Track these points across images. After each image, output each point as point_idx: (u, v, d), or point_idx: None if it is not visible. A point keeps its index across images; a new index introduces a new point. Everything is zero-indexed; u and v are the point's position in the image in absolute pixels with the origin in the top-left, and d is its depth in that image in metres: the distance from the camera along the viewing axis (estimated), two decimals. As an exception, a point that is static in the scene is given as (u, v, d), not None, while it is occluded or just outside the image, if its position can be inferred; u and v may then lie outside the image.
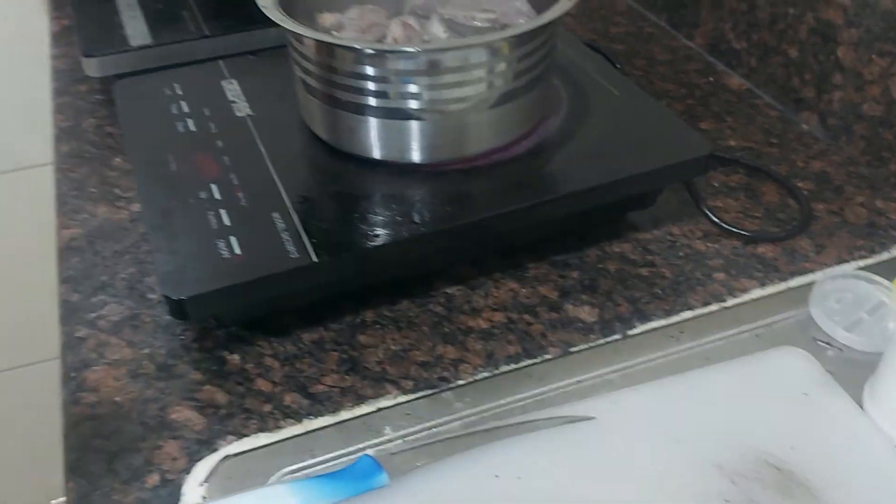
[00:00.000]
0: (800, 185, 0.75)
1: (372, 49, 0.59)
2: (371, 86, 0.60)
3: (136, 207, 0.73)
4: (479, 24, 0.71)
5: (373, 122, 0.62)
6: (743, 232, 0.69)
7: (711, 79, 0.91)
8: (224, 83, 0.75)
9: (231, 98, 0.73)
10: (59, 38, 1.01)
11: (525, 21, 0.69)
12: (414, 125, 0.62)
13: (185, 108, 0.72)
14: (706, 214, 0.70)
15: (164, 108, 0.72)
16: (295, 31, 0.59)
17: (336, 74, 0.61)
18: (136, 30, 0.85)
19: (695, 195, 0.71)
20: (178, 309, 0.54)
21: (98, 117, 0.85)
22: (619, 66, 0.88)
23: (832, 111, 0.80)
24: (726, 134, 0.82)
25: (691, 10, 0.97)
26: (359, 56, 0.60)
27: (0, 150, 1.30)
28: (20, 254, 1.39)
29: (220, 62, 0.78)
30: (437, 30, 0.70)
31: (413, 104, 0.61)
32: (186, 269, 0.55)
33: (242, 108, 0.71)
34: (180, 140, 0.68)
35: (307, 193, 0.62)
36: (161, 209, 0.60)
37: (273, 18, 0.60)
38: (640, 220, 0.71)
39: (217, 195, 0.61)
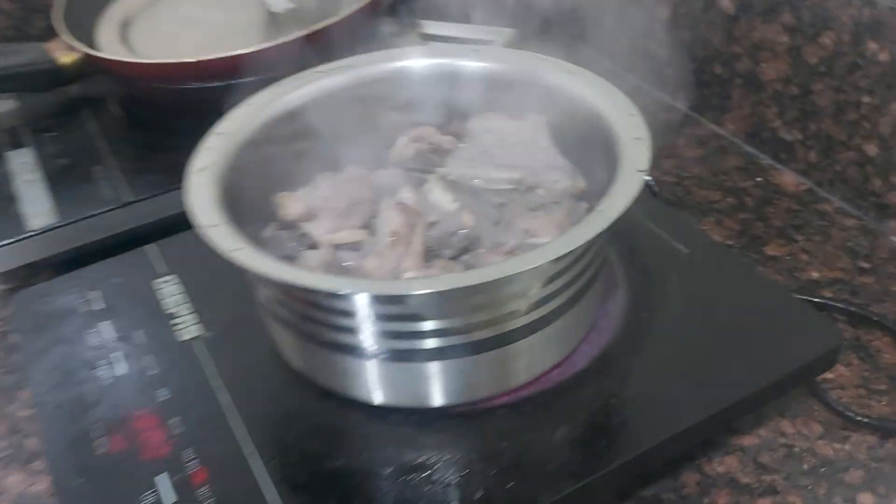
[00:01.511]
0: (919, 331, 0.59)
1: (380, 293, 0.41)
2: (377, 328, 0.42)
3: (54, 473, 0.53)
4: (498, 185, 0.53)
5: (379, 367, 0.44)
6: (875, 422, 0.52)
7: (760, 179, 0.75)
8: (158, 284, 0.56)
9: (170, 308, 0.54)
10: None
11: (565, 184, 0.51)
12: (435, 366, 0.43)
13: (109, 334, 0.52)
14: (825, 403, 0.52)
15: (79, 336, 0.52)
16: (263, 274, 0.40)
17: (328, 315, 0.43)
18: (36, 202, 0.65)
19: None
20: None
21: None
22: (656, 190, 0.71)
23: (934, 223, 0.63)
24: (802, 261, 0.65)
25: (717, 91, 0.80)
26: (360, 301, 0.41)
27: None
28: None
29: (150, 249, 0.59)
30: (443, 198, 0.51)
31: (433, 343, 0.42)
32: None
33: (188, 326, 0.52)
34: (105, 393, 0.48)
35: (298, 478, 0.43)
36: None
37: (220, 250, 0.41)
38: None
39: (168, 495, 0.42)
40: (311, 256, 0.46)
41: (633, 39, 0.90)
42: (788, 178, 0.74)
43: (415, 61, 0.56)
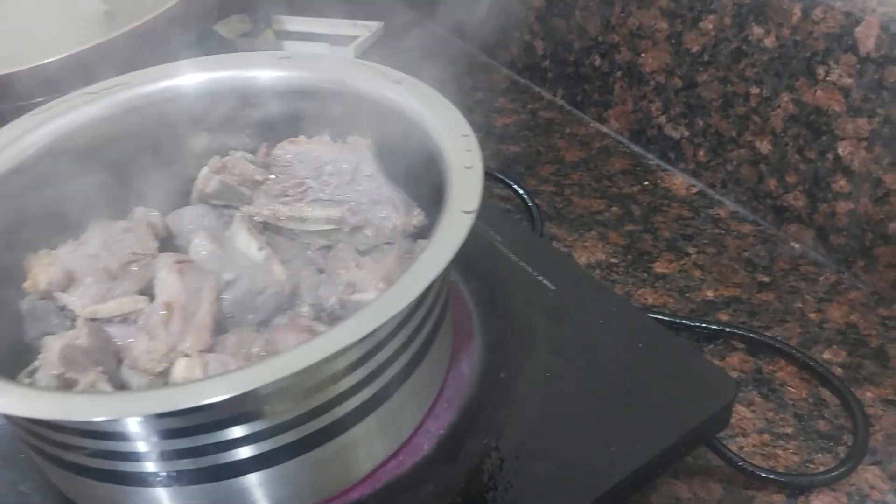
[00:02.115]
0: (826, 356, 0.51)
1: (138, 417, 0.30)
2: (147, 448, 0.32)
3: None
4: (316, 227, 0.43)
5: (163, 494, 0.33)
6: (783, 477, 0.44)
7: (647, 183, 0.67)
8: None
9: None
10: None
11: (396, 221, 0.42)
12: (254, 478, 0.33)
13: None
14: (725, 458, 0.44)
15: None
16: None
17: (80, 439, 0.32)
18: None
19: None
20: None
21: None
22: (531, 203, 0.62)
23: (836, 226, 0.56)
24: (695, 278, 0.57)
25: (597, 85, 0.72)
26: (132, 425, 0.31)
27: None
28: None
29: None
30: (248, 246, 0.41)
31: (243, 453, 0.32)
32: None
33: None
34: None
35: None
36: None
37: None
38: (623, 481, 0.45)
39: None
40: (51, 344, 0.36)
41: (506, 30, 0.81)
42: (678, 181, 0.66)
43: (203, 75, 0.46)
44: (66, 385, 0.34)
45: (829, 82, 0.53)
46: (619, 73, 0.69)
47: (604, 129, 0.73)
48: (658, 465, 0.39)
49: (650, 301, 0.56)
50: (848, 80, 0.52)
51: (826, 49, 0.52)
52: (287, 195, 0.44)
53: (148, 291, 0.40)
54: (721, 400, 0.39)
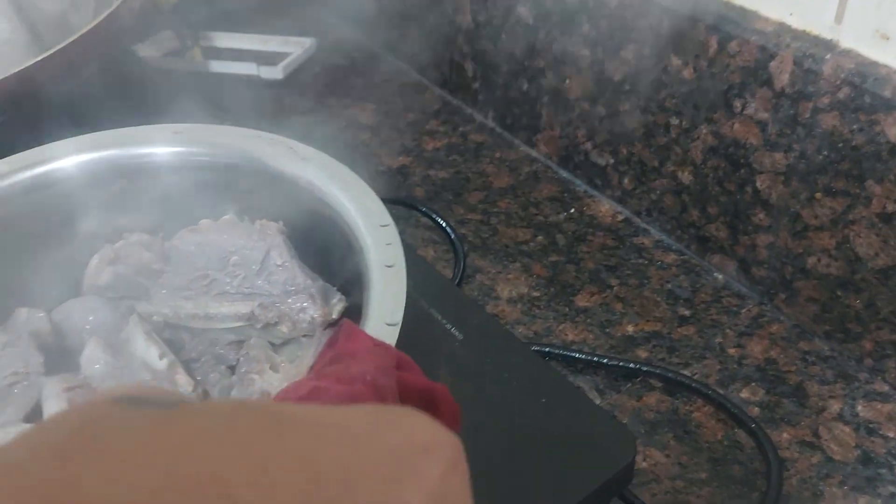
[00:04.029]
0: (744, 394, 0.51)
1: None
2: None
3: None
4: (223, 324, 0.41)
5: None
6: (694, 527, 0.43)
7: (574, 210, 0.66)
8: None
9: None
10: None
11: (314, 313, 0.40)
12: None
13: None
14: (633, 508, 0.43)
15: None
16: None
17: None
18: None
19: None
20: None
21: None
22: (454, 236, 0.61)
23: (757, 259, 0.56)
24: (617, 312, 0.56)
25: (526, 109, 0.71)
26: None
27: None
28: None
29: None
30: (148, 353, 0.38)
31: None
32: None
33: None
34: None
35: None
36: None
37: None
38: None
39: None
40: None
41: (437, 51, 0.80)
42: (605, 207, 0.65)
43: (85, 155, 0.43)
44: None
45: (746, 115, 0.52)
46: (546, 98, 0.68)
47: (533, 153, 0.72)
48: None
49: (570, 337, 0.55)
50: (764, 115, 0.51)
51: (742, 83, 0.52)
52: (189, 289, 0.41)
53: (34, 417, 0.37)
54: (624, 457, 0.38)
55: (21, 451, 0.16)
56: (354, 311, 0.40)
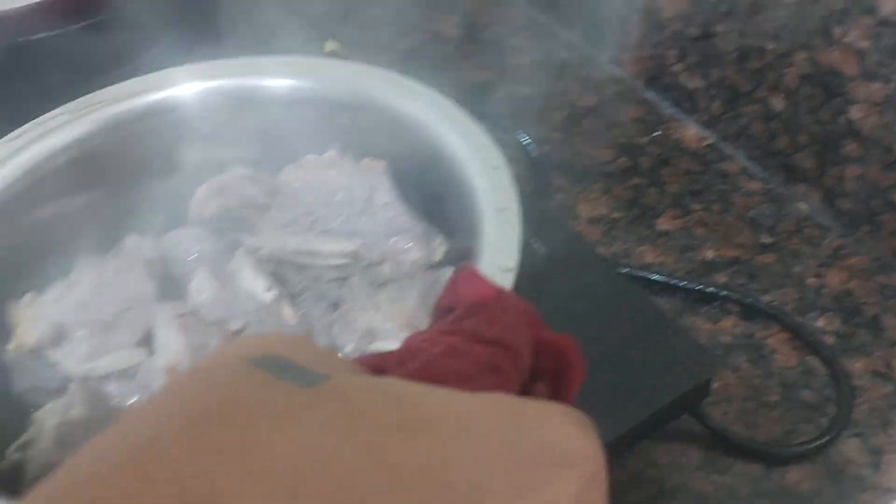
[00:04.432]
0: (820, 323, 0.51)
1: None
2: None
3: None
4: (328, 261, 0.42)
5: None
6: (761, 446, 0.45)
7: (658, 133, 0.66)
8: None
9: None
10: None
11: (417, 255, 0.41)
12: None
13: None
14: (706, 425, 0.45)
15: None
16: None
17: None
18: None
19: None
20: None
21: None
22: (536, 155, 0.61)
23: (843, 191, 0.55)
24: (698, 237, 0.57)
25: (614, 28, 0.70)
26: None
27: None
28: None
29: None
30: (255, 285, 0.40)
31: None
32: None
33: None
34: None
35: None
36: None
37: None
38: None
39: None
40: (43, 422, 0.35)
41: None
42: (691, 132, 0.65)
43: (200, 84, 0.44)
44: None
45: (846, 43, 0.51)
46: (636, 17, 0.67)
47: (619, 73, 0.71)
48: (636, 434, 0.40)
49: (649, 259, 0.56)
50: (864, 43, 0.50)
51: (844, 9, 0.50)
52: (294, 225, 0.42)
53: (146, 342, 0.39)
54: (701, 376, 0.40)
55: (150, 428, 0.16)
56: (458, 255, 0.42)
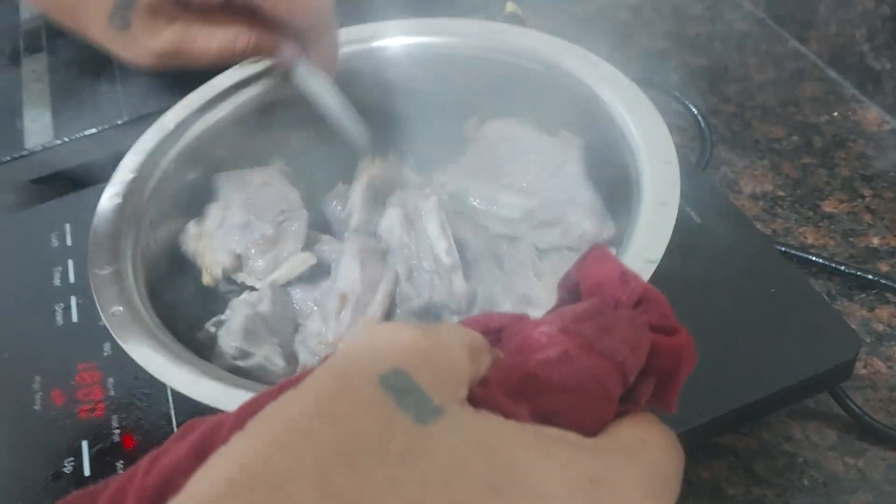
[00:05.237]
0: None
1: None
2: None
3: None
4: (504, 211, 0.44)
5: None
6: (899, 435, 0.44)
7: (837, 114, 0.64)
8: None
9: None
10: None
11: (588, 227, 0.42)
12: None
13: (72, 275, 0.51)
14: (844, 406, 0.45)
15: (44, 274, 0.51)
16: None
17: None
18: (37, 116, 0.64)
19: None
20: None
21: None
22: (704, 124, 0.62)
23: None
24: (864, 223, 0.56)
25: (802, 2, 0.68)
26: None
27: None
28: None
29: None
30: (437, 243, 0.41)
31: None
32: None
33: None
34: (56, 340, 0.47)
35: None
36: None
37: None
38: (738, 412, 0.47)
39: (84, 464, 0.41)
40: (237, 309, 0.41)
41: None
42: (871, 115, 0.63)
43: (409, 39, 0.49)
44: (243, 356, 0.40)
45: None
46: (826, -8, 0.65)
47: (802, 49, 0.69)
48: (771, 404, 0.41)
49: (810, 240, 0.55)
50: None
51: None
52: (482, 172, 0.45)
53: (308, 247, 0.44)
54: (843, 355, 0.40)
55: (284, 463, 0.18)
56: (612, 241, 0.43)
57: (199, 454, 0.20)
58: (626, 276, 0.24)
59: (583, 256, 0.26)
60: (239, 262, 0.44)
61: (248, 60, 0.50)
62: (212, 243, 0.44)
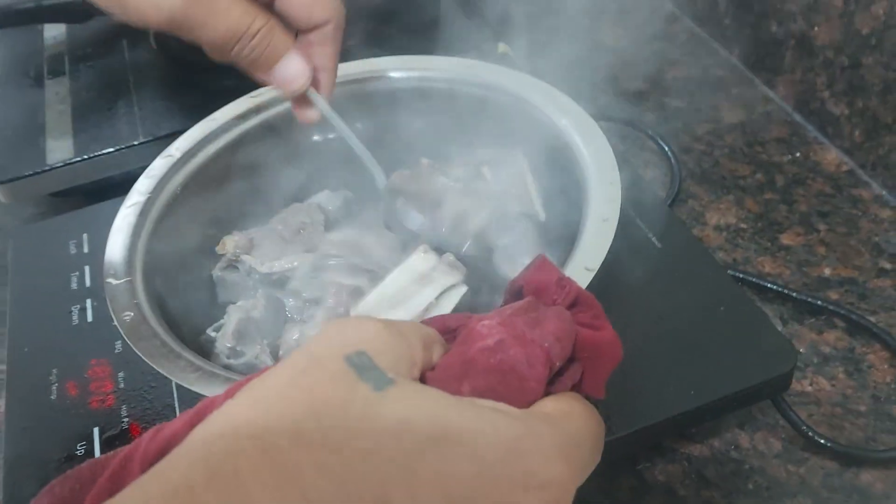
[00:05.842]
0: (924, 348, 0.54)
1: None
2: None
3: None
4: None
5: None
6: (839, 447, 0.48)
7: (799, 155, 0.69)
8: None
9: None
10: None
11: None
12: None
13: (87, 282, 0.55)
14: (787, 419, 0.49)
15: (63, 278, 0.56)
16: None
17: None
18: (60, 135, 0.69)
19: (771, 390, 0.51)
20: None
21: None
22: (675, 161, 0.67)
23: (971, 227, 0.57)
24: (817, 254, 0.60)
25: (771, 50, 0.74)
26: None
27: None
28: None
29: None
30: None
31: None
32: None
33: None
34: (72, 338, 0.52)
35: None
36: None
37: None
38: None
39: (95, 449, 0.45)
40: (232, 314, 0.47)
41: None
42: (831, 156, 0.68)
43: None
44: (236, 355, 0.45)
45: None
46: (792, 42, 0.70)
47: (771, 94, 0.75)
48: (715, 410, 0.45)
49: (767, 269, 0.60)
50: None
51: None
52: None
53: (312, 250, 0.51)
54: (781, 367, 0.45)
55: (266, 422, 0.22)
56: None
57: (195, 425, 0.24)
58: (562, 282, 0.29)
59: (528, 265, 0.31)
60: (251, 246, 0.51)
61: (246, 95, 0.56)
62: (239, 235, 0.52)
